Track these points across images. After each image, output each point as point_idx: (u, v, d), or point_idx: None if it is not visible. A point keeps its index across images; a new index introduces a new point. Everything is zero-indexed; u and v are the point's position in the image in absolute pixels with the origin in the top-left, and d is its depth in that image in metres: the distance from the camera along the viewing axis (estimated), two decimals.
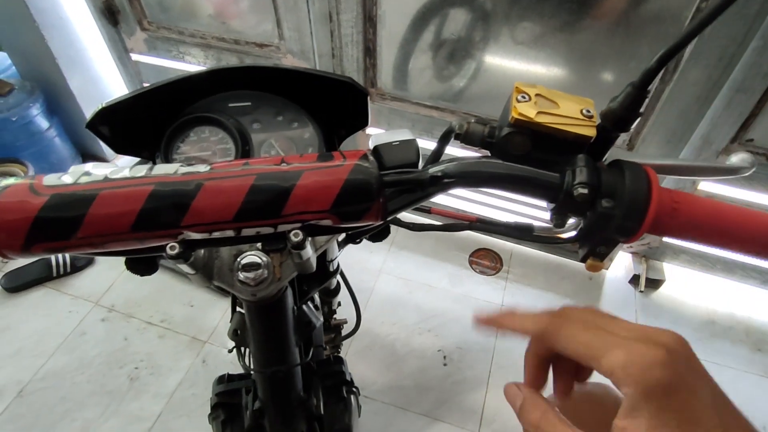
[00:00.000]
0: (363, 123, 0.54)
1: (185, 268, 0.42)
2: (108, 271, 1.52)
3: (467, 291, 1.51)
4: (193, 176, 0.31)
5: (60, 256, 1.51)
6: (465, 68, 1.30)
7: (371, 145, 0.48)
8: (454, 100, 1.36)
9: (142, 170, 0.31)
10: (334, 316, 1.05)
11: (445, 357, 1.35)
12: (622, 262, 1.58)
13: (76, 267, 1.51)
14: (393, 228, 0.60)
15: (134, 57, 1.67)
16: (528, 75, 1.22)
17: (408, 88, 1.39)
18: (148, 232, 0.31)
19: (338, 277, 0.90)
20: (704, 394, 0.24)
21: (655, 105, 1.13)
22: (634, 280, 1.51)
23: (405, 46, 1.30)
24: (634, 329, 0.26)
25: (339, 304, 1.08)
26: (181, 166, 0.32)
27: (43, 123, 1.63)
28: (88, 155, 1.87)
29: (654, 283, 1.49)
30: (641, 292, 1.50)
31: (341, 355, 1.31)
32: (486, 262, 1.58)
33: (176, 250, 0.33)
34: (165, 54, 1.63)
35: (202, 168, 0.32)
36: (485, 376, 1.31)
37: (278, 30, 1.41)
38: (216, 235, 0.32)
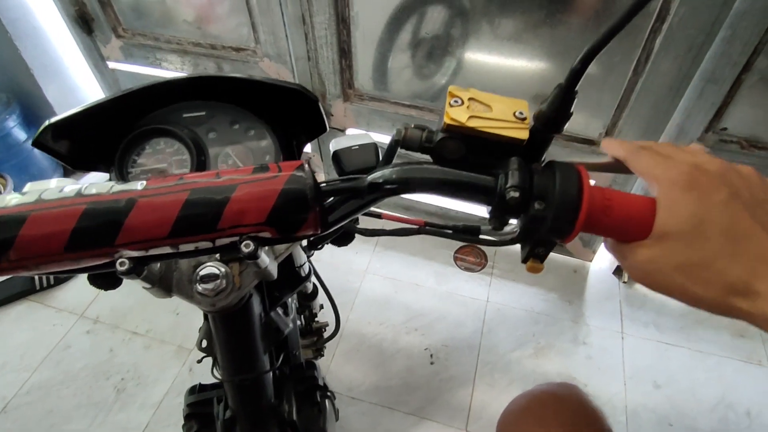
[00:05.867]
0: (322, 129, 0.54)
1: (140, 282, 0.42)
2: None
3: (453, 288, 1.51)
4: (126, 194, 0.31)
5: None
6: (445, 66, 1.30)
7: (332, 150, 0.48)
8: (434, 99, 1.36)
9: (75, 189, 0.31)
10: (316, 319, 1.05)
11: (431, 355, 1.36)
12: (605, 254, 1.59)
13: (60, 279, 1.50)
14: None
15: (111, 65, 1.66)
16: (508, 70, 1.22)
17: (388, 88, 1.39)
18: (82, 251, 0.30)
19: (315, 280, 0.90)
20: (720, 193, 0.29)
21: (630, 96, 1.13)
22: (618, 271, 1.52)
23: (382, 46, 1.30)
24: (690, 157, 0.31)
25: (321, 307, 1.08)
26: (116, 183, 0.32)
27: (20, 135, 1.62)
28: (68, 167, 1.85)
29: None
30: (625, 282, 1.51)
31: (326, 357, 1.31)
32: (471, 258, 1.59)
33: (126, 266, 0.33)
34: (142, 61, 1.62)
35: (136, 185, 0.31)
36: (471, 374, 1.31)
37: (254, 34, 1.41)
38: (153, 251, 0.32)
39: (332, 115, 1.47)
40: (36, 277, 1.48)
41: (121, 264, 0.32)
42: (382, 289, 1.51)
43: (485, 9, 1.14)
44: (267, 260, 0.42)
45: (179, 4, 1.43)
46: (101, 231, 0.30)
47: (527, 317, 1.44)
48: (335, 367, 1.33)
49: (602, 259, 1.58)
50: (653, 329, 1.40)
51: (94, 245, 0.30)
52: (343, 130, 1.52)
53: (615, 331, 1.40)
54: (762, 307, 0.27)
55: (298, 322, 0.98)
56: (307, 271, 0.71)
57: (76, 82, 1.72)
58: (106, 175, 0.53)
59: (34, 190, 0.32)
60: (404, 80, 1.35)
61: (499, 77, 1.25)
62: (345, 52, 1.32)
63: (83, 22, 1.54)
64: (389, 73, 1.36)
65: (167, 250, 0.32)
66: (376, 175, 0.34)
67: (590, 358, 1.34)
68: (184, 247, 0.32)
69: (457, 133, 0.31)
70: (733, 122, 1.12)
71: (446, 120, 0.31)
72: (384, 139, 1.51)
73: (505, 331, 1.40)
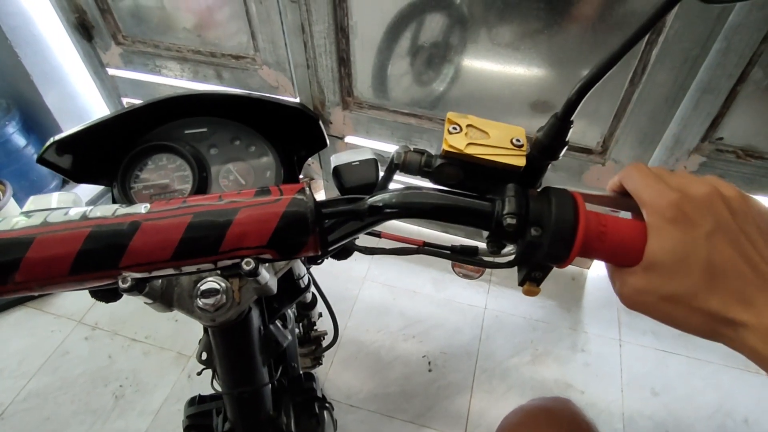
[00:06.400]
0: (322, 144, 0.55)
1: (141, 298, 0.42)
2: None
3: (451, 295, 1.52)
4: (131, 217, 0.31)
5: None
6: (443, 73, 1.31)
7: (332, 166, 0.49)
8: (433, 106, 1.37)
9: (81, 212, 0.32)
10: (315, 327, 1.05)
11: (429, 363, 1.36)
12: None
13: None
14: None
15: (111, 71, 1.67)
16: (505, 77, 1.22)
17: (387, 96, 1.39)
18: (87, 274, 0.31)
19: (314, 290, 0.91)
20: (704, 225, 0.30)
21: (627, 107, 1.14)
22: None
23: (381, 54, 1.31)
24: (678, 180, 0.32)
25: (320, 315, 1.08)
26: (120, 206, 0.32)
27: (20, 141, 1.62)
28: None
29: None
30: None
31: (324, 365, 1.31)
32: (469, 266, 1.59)
33: (128, 283, 0.33)
34: (141, 68, 1.62)
35: (140, 208, 0.32)
36: (470, 381, 1.32)
37: (253, 42, 1.41)
38: (156, 273, 0.32)
39: (331, 123, 1.48)
40: None
41: (124, 281, 0.33)
42: (380, 296, 1.52)
43: (484, 17, 1.15)
44: (267, 276, 0.43)
45: (179, 12, 1.44)
46: (105, 254, 0.31)
47: (525, 324, 1.44)
48: (333, 374, 1.33)
49: (599, 267, 1.59)
50: (651, 337, 1.41)
51: (98, 268, 0.31)
52: (342, 138, 1.52)
53: (613, 339, 1.41)
54: (742, 336, 0.29)
55: (297, 331, 0.98)
56: (306, 282, 0.71)
57: (75, 89, 1.72)
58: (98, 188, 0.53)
59: (39, 213, 0.32)
60: (403, 88, 1.36)
61: (497, 84, 1.25)
62: (344, 60, 1.33)
63: (83, 29, 1.54)
64: (388, 81, 1.37)
65: (170, 271, 0.33)
66: (376, 199, 0.34)
67: (588, 365, 1.35)
68: (187, 269, 0.33)
69: (456, 159, 0.32)
70: (729, 132, 1.13)
71: (445, 147, 0.32)
72: (382, 147, 1.51)
73: (503, 338, 1.41)
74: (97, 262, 0.31)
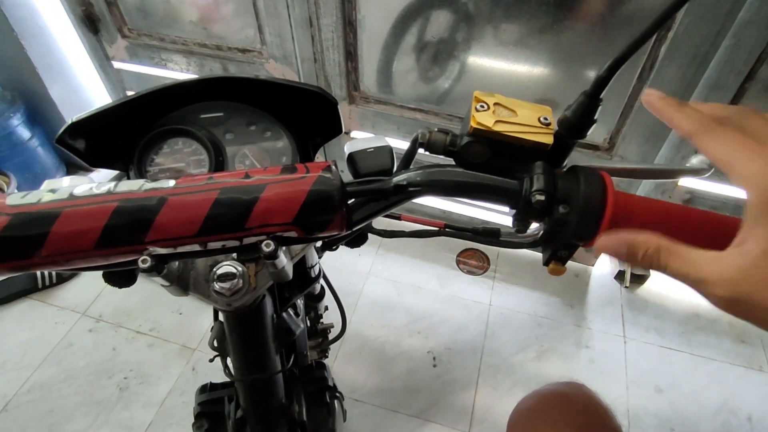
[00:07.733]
0: (337, 131, 0.55)
1: (159, 280, 0.42)
2: (95, 281, 1.51)
3: (455, 291, 1.52)
4: (157, 192, 0.31)
5: None
6: (449, 69, 1.31)
7: (346, 153, 0.49)
8: (439, 102, 1.37)
9: (106, 187, 0.32)
10: (321, 320, 1.05)
11: (434, 358, 1.36)
12: (607, 259, 1.60)
13: (62, 278, 1.50)
14: None
15: (116, 65, 1.67)
16: (511, 75, 1.23)
17: (393, 91, 1.39)
18: (113, 248, 0.31)
19: (322, 281, 0.91)
20: None
21: (634, 103, 1.14)
22: (620, 276, 1.53)
23: (387, 49, 1.31)
24: None
25: (326, 308, 1.08)
26: (146, 182, 0.32)
27: (24, 133, 1.62)
28: (72, 165, 1.85)
29: (639, 279, 1.51)
30: (626, 287, 1.52)
31: (329, 359, 1.31)
32: (473, 262, 1.59)
33: (148, 264, 0.33)
34: (147, 61, 1.62)
35: (167, 183, 0.32)
36: (475, 376, 1.32)
37: (260, 35, 1.41)
38: (181, 249, 0.32)
39: None
40: (38, 275, 1.47)
41: (143, 261, 0.33)
42: (384, 291, 1.51)
43: (490, 14, 1.15)
44: (285, 261, 0.42)
45: (185, 5, 1.43)
46: (132, 228, 0.31)
47: (530, 321, 1.44)
48: (338, 369, 1.33)
49: (603, 264, 1.59)
50: (655, 334, 1.41)
51: (124, 242, 0.31)
52: (347, 133, 1.52)
53: (617, 336, 1.41)
54: None
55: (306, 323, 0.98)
56: (317, 272, 0.71)
57: (80, 82, 1.72)
58: (112, 173, 0.53)
59: (65, 187, 0.32)
60: (409, 83, 1.36)
61: (503, 82, 1.25)
62: (351, 54, 1.33)
63: (89, 22, 1.54)
64: (394, 76, 1.37)
65: (195, 247, 0.32)
66: (401, 177, 0.34)
67: (593, 361, 1.35)
68: (212, 245, 0.33)
69: (483, 137, 0.32)
70: None
71: (473, 124, 0.31)
72: (389, 142, 1.52)
73: (507, 334, 1.41)
74: (124, 236, 0.31)
